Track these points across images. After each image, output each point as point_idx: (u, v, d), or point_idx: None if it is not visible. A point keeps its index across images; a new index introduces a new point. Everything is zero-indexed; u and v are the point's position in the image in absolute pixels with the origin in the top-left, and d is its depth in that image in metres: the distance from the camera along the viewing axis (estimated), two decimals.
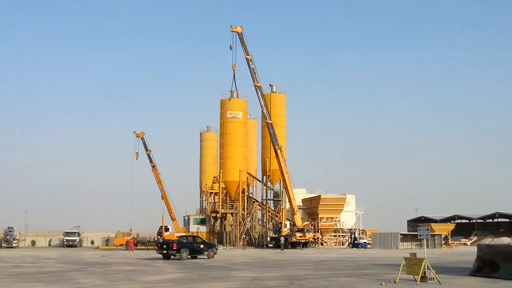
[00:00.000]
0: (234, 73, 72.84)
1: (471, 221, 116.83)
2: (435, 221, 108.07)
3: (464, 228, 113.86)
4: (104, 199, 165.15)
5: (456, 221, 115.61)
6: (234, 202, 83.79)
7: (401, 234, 76.78)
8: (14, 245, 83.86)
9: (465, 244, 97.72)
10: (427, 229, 25.33)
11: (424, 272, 21.60)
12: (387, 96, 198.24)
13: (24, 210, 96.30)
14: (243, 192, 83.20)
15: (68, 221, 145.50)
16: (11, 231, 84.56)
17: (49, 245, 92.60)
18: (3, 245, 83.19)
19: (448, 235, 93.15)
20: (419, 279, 21.30)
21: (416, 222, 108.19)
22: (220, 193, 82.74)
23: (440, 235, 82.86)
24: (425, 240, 25.85)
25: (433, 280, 21.62)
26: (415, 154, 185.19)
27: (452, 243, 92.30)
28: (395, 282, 21.75)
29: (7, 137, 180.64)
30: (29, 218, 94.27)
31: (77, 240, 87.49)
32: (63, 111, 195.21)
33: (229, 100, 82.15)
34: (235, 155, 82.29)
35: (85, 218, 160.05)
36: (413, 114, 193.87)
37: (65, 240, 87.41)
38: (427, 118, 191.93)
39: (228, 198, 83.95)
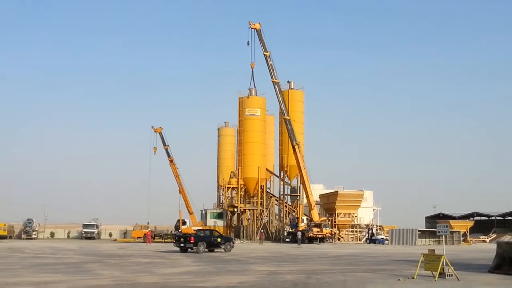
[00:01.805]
0: (252, 71, 73.00)
1: (490, 218, 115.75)
2: (453, 217, 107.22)
3: (483, 225, 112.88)
4: (122, 192, 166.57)
5: (475, 218, 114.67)
6: (252, 198, 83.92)
7: (419, 231, 76.33)
8: (33, 236, 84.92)
9: (484, 241, 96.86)
10: (446, 226, 25.08)
11: (443, 269, 21.45)
12: (407, 93, 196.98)
13: (43, 203, 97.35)
14: (261, 188, 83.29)
15: (87, 213, 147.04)
16: (30, 222, 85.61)
17: (68, 237, 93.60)
18: (23, 236, 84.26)
19: (467, 232, 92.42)
20: (437, 275, 21.14)
21: (434, 219, 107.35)
22: (239, 189, 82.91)
23: (459, 232, 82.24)
24: (443, 236, 25.58)
25: (452, 276, 21.45)
26: (434, 150, 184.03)
27: (471, 240, 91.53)
28: (413, 278, 21.61)
29: (28, 131, 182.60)
30: (48, 210, 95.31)
31: (95, 232, 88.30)
32: (82, 105, 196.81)
33: (248, 97, 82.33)
34: (254, 152, 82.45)
35: (103, 211, 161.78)
36: (433, 110, 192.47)
37: (83, 232, 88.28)
38: (447, 114, 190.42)
39: (246, 193, 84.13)
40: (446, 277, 21.33)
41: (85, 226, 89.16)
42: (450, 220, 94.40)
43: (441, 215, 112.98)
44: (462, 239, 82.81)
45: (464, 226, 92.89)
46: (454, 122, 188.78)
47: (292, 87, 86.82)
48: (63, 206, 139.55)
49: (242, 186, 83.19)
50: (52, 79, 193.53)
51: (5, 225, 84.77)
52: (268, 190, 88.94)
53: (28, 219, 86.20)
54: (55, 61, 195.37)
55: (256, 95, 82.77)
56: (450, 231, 73.28)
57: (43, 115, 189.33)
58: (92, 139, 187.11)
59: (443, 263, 21.36)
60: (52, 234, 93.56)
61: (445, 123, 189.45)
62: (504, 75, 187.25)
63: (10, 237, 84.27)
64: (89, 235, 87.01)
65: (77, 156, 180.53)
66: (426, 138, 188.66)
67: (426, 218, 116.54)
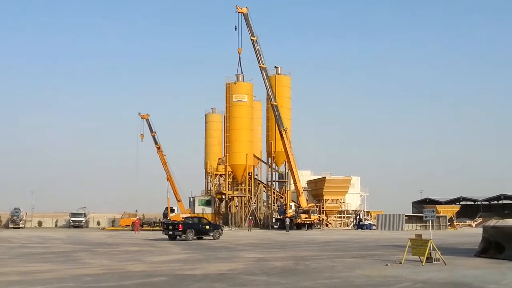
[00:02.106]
0: (239, 57, 72.93)
1: (476, 202, 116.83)
2: (440, 202, 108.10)
3: (469, 209, 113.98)
4: (110, 180, 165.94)
5: (461, 202, 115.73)
6: (240, 185, 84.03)
7: (406, 216, 76.96)
8: (21, 225, 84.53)
9: (470, 225, 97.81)
10: (433, 211, 25.28)
11: (430, 253, 21.64)
12: (392, 79, 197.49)
13: (30, 191, 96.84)
14: (249, 175, 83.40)
15: (75, 202, 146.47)
16: (17, 212, 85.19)
17: (56, 226, 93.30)
18: (10, 225, 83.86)
19: (453, 216, 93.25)
20: (424, 260, 21.33)
21: (421, 204, 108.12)
22: (227, 176, 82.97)
23: (445, 216, 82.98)
24: (430, 221, 25.82)
25: (439, 261, 21.66)
26: (420, 135, 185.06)
27: (457, 224, 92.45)
28: (400, 263, 21.79)
29: (13, 118, 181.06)
30: (35, 199, 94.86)
31: (83, 221, 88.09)
32: (68, 92, 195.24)
33: (235, 83, 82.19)
34: (241, 139, 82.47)
35: (91, 199, 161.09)
36: (418, 95, 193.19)
37: (71, 221, 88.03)
38: (432, 99, 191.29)
39: (234, 181, 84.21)
40: (433, 262, 21.54)
41: (73, 214, 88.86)
42: (436, 205, 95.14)
43: (427, 200, 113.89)
44: (448, 223, 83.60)
45: (450, 211, 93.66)
46: (439, 107, 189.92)
47: (280, 72, 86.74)
48: (50, 194, 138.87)
49: (230, 173, 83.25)
50: (38, 64, 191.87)
51: None
52: (256, 177, 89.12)
53: (15, 208, 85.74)
54: (40, 46, 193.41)
55: (244, 81, 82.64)
56: (437, 216, 73.88)
57: (27, 101, 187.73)
58: (79, 126, 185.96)
59: (430, 248, 21.57)
60: (39, 223, 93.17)
61: (431, 108, 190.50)
62: (482, 59, 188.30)
63: None
64: (77, 223, 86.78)
65: (64, 144, 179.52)
66: (412, 123, 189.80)
67: (413, 203, 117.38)
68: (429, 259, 21.60)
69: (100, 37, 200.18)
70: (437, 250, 21.90)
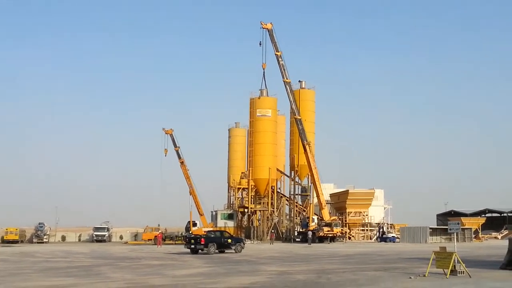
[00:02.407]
0: (264, 72, 73.11)
1: (502, 214, 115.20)
2: (465, 215, 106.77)
3: (494, 222, 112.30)
4: (133, 195, 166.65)
5: (487, 215, 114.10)
6: (263, 198, 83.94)
7: (430, 228, 76.01)
8: (44, 240, 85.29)
9: (495, 238, 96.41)
10: (458, 223, 25.00)
11: (454, 266, 21.35)
12: (418, 90, 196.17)
13: (54, 206, 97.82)
14: (272, 189, 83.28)
15: (98, 216, 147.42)
16: (42, 226, 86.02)
17: (79, 240, 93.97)
18: (34, 240, 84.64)
19: (479, 229, 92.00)
20: (449, 273, 21.03)
21: (446, 216, 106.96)
22: (250, 190, 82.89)
23: (470, 229, 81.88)
24: (455, 234, 25.48)
25: (463, 273, 21.35)
26: (444, 147, 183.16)
27: (483, 236, 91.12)
28: (424, 275, 21.52)
29: (37, 134, 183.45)
30: (59, 214, 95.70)
31: (106, 235, 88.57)
32: (92, 107, 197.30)
33: (259, 98, 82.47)
34: (265, 153, 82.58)
35: (114, 213, 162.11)
36: (442, 107, 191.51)
37: (94, 235, 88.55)
38: (455, 111, 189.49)
39: (256, 194, 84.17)
40: (458, 274, 21.24)
41: (96, 229, 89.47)
42: (461, 217, 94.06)
43: (452, 212, 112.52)
44: (473, 236, 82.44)
45: (475, 223, 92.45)
46: (464, 118, 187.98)
47: (303, 86, 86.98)
48: (74, 209, 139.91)
49: (252, 187, 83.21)
50: (61, 80, 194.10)
51: (16, 229, 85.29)
52: (278, 190, 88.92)
53: (39, 223, 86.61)
54: (63, 61, 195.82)
55: (267, 95, 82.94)
56: (462, 228, 72.96)
57: (52, 117, 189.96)
58: (103, 141, 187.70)
59: (454, 260, 21.27)
60: (63, 238, 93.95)
61: (456, 120, 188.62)
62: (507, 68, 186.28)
63: (22, 242, 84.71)
64: (100, 238, 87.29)
65: (88, 159, 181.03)
66: (437, 135, 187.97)
67: (437, 215, 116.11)
68: (454, 272, 21.30)
69: (124, 52, 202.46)
70: (462, 263, 21.60)
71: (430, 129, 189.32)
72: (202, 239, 42.75)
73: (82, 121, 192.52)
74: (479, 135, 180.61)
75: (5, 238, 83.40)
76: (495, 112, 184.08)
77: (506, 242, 27.68)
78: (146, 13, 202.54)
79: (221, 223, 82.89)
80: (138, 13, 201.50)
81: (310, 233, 69.34)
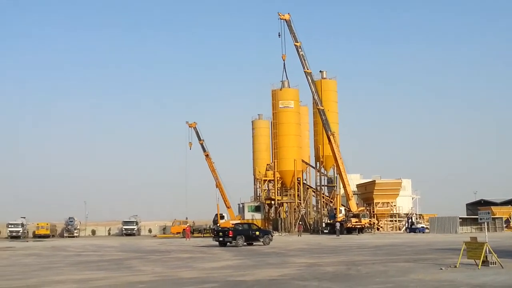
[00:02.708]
0: (284, 63, 73.04)
1: None
2: (495, 204, 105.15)
3: None
4: (160, 188, 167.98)
5: None
6: (289, 190, 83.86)
7: (460, 218, 75.15)
8: (75, 234, 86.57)
9: None
10: (488, 213, 24.61)
11: (486, 256, 21.08)
12: (442, 78, 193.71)
13: (83, 201, 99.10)
14: (298, 180, 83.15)
15: (126, 210, 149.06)
16: (72, 221, 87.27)
17: (109, 234, 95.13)
18: (65, 234, 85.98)
19: (510, 218, 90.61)
20: (480, 263, 20.76)
21: (476, 206, 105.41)
22: (276, 182, 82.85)
23: (501, 218, 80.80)
24: (485, 223, 25.13)
25: (495, 264, 21.06)
26: (473, 135, 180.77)
27: None
28: (455, 266, 21.29)
29: (65, 130, 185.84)
30: (88, 208, 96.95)
31: (135, 229, 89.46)
32: (118, 102, 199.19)
33: (281, 90, 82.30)
34: (289, 145, 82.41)
35: (142, 207, 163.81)
36: (469, 94, 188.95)
37: (123, 229, 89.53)
38: (483, 99, 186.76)
39: (283, 186, 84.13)
40: (490, 265, 20.97)
41: (125, 223, 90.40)
42: (491, 207, 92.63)
43: (482, 202, 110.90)
44: (505, 225, 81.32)
45: (506, 212, 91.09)
46: (492, 107, 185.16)
47: (325, 76, 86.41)
48: (103, 203, 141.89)
49: (278, 179, 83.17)
50: (87, 73, 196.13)
51: (47, 224, 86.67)
52: (304, 182, 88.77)
53: (69, 218, 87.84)
54: (88, 54, 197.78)
55: (289, 87, 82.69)
56: (492, 217, 71.96)
57: (79, 114, 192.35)
58: (130, 136, 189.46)
59: (486, 250, 20.99)
60: (93, 232, 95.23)
61: (483, 108, 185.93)
62: None
63: (53, 236, 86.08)
64: (129, 231, 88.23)
65: (115, 154, 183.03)
66: (465, 123, 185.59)
67: (467, 205, 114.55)
68: (485, 263, 21.03)
69: (147, 45, 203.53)
70: (494, 253, 21.31)
71: (457, 117, 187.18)
72: (230, 231, 42.91)
73: (109, 117, 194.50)
74: (509, 123, 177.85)
75: (36, 232, 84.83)
76: None
77: None
78: (169, 6, 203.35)
79: (248, 215, 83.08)
80: (160, 5, 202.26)
81: (338, 224, 69.13)
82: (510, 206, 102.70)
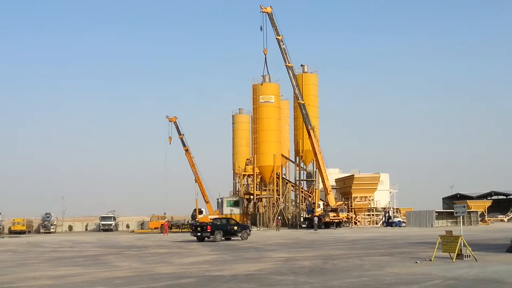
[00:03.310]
0: (265, 58, 72.94)
1: (508, 197, 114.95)
2: (471, 198, 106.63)
3: (501, 204, 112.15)
4: (138, 183, 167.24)
5: (493, 197, 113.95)
6: (268, 185, 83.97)
7: (436, 212, 76.08)
8: (52, 230, 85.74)
9: (502, 220, 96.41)
10: (464, 206, 24.92)
11: (460, 250, 21.36)
12: (422, 73, 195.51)
13: (60, 196, 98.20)
14: (277, 175, 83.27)
15: (104, 206, 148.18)
16: (48, 217, 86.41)
17: (86, 229, 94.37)
18: (42, 230, 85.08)
19: (485, 211, 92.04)
20: (455, 257, 21.04)
21: (452, 200, 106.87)
22: (255, 177, 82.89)
23: (477, 212, 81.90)
24: (461, 217, 25.45)
25: (469, 257, 21.35)
26: (449, 130, 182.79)
27: (489, 219, 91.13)
28: (430, 260, 21.54)
29: (41, 125, 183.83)
30: (65, 204, 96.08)
31: (113, 224, 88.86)
32: (97, 96, 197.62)
33: (261, 84, 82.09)
34: (269, 140, 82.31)
35: (120, 202, 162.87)
36: (446, 90, 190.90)
37: (101, 225, 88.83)
38: (462, 93, 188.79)
39: (262, 181, 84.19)
40: (464, 258, 21.25)
41: (103, 218, 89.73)
42: (467, 201, 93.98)
43: (458, 196, 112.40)
44: (480, 219, 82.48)
45: (481, 206, 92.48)
46: (468, 101, 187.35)
47: (306, 70, 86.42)
48: (80, 199, 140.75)
49: (258, 174, 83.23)
50: (64, 69, 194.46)
51: (23, 220, 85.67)
52: (284, 176, 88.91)
53: (46, 213, 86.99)
54: (66, 50, 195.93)
55: (270, 81, 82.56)
56: (468, 211, 72.98)
57: (56, 107, 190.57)
58: (107, 130, 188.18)
59: (460, 244, 21.27)
60: (70, 228, 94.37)
61: (460, 103, 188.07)
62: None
63: (29, 232, 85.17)
64: (106, 227, 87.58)
65: (93, 148, 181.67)
66: (442, 118, 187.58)
67: (443, 199, 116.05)
68: (460, 256, 21.31)
69: (126, 40, 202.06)
70: (468, 246, 21.60)
71: (434, 112, 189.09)
72: (208, 226, 42.86)
73: (87, 111, 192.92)
74: (484, 117, 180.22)
75: (12, 228, 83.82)
76: (496, 92, 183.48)
77: None
78: (148, 0, 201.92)
79: (227, 210, 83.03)
80: (139, 0, 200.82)
81: (316, 219, 69.45)
82: (485, 200, 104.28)
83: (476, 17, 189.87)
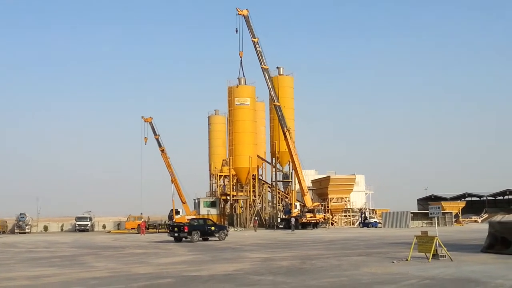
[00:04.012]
0: (241, 60, 72.80)
1: (481, 198, 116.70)
2: (445, 199, 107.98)
3: (474, 205, 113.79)
4: (114, 184, 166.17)
5: (467, 198, 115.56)
6: (245, 186, 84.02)
7: (411, 213, 76.83)
8: (26, 230, 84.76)
9: (476, 221, 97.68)
10: (438, 207, 25.19)
11: (436, 250, 21.60)
12: (395, 76, 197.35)
13: (35, 197, 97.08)
14: (253, 177, 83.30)
15: (80, 206, 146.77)
16: (23, 217, 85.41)
17: (61, 230, 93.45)
18: (16, 231, 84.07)
19: (459, 213, 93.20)
20: (431, 257, 21.28)
21: (426, 201, 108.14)
22: (231, 179, 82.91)
23: (451, 213, 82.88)
24: (436, 218, 25.74)
25: (445, 257, 21.61)
26: (423, 132, 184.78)
27: (463, 220, 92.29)
28: (407, 260, 21.75)
29: (16, 124, 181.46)
30: (40, 204, 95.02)
31: (89, 225, 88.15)
32: (71, 96, 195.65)
33: (237, 87, 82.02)
34: (244, 142, 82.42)
35: (96, 203, 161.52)
36: (421, 92, 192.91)
37: (77, 225, 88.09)
38: (435, 96, 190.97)
39: (238, 182, 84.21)
40: (440, 258, 21.49)
41: (78, 218, 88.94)
42: (442, 202, 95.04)
43: (432, 197, 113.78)
44: (454, 220, 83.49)
45: (456, 207, 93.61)
46: (442, 103, 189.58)
47: (282, 73, 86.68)
48: (55, 199, 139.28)
49: (234, 175, 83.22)
50: (41, 70, 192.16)
51: None
52: (260, 177, 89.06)
53: (20, 214, 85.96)
54: (42, 52, 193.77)
55: (246, 84, 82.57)
56: (442, 212, 73.84)
57: (32, 106, 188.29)
58: (82, 130, 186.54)
59: (436, 244, 21.52)
60: (45, 228, 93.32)
61: (434, 105, 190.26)
62: (492, 54, 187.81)
63: (3, 232, 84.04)
64: (82, 227, 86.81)
65: (68, 149, 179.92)
66: (416, 120, 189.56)
67: (418, 200, 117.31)
68: (436, 256, 21.55)
69: (102, 41, 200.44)
70: (443, 247, 21.86)
71: (407, 114, 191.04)
72: (186, 227, 42.74)
73: (62, 111, 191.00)
74: (457, 119, 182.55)
75: None
76: (472, 96, 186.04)
77: (486, 226, 28.08)
78: (127, 2, 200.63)
79: (204, 210, 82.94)
80: (119, 3, 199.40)
81: (293, 219, 69.69)
82: (459, 201, 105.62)
83: (463, 17, 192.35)
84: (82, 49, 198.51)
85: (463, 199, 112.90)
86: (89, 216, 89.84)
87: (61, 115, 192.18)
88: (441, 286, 15.08)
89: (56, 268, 22.59)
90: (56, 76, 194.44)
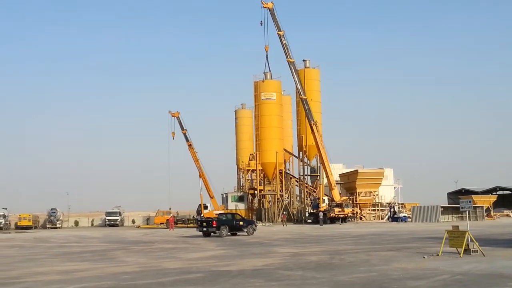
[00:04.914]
0: (267, 54, 72.25)
1: None
2: (476, 193, 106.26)
3: (506, 199, 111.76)
4: (143, 179, 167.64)
5: (498, 192, 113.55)
6: (272, 180, 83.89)
7: (441, 207, 75.81)
8: (58, 225, 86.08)
9: (508, 215, 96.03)
10: (469, 201, 24.79)
11: (467, 245, 21.30)
12: (426, 68, 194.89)
13: (66, 192, 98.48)
14: (280, 172, 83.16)
15: (110, 201, 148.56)
16: (54, 212, 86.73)
17: (92, 225, 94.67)
18: (48, 226, 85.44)
19: (490, 207, 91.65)
20: (462, 252, 20.99)
21: (457, 195, 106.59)
22: (258, 174, 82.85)
23: (482, 207, 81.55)
24: (467, 212, 25.35)
25: (477, 252, 21.30)
26: (454, 125, 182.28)
27: (495, 214, 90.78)
28: (438, 255, 21.49)
29: (48, 121, 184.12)
30: (71, 199, 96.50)
31: (119, 220, 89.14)
32: (101, 92, 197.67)
33: (263, 82, 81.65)
34: (271, 137, 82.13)
35: (125, 198, 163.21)
36: (452, 85, 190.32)
37: (107, 220, 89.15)
38: (465, 88, 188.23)
39: (265, 177, 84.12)
40: (471, 253, 21.20)
41: (108, 213, 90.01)
42: (472, 195, 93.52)
43: (463, 191, 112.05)
44: (485, 214, 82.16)
45: (487, 201, 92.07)
46: (473, 96, 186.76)
47: (308, 65, 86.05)
48: (86, 194, 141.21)
49: (260, 170, 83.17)
50: (67, 65, 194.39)
51: (30, 215, 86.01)
52: (287, 171, 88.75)
53: (52, 209, 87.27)
54: (68, 46, 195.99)
55: (272, 78, 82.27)
56: (473, 206, 72.72)
57: (62, 103, 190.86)
58: (111, 126, 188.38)
59: (467, 239, 21.21)
60: (76, 223, 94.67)
61: (465, 98, 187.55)
62: None
63: (35, 227, 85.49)
64: (112, 222, 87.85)
65: (98, 145, 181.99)
66: (447, 113, 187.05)
67: (448, 194, 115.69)
68: (467, 251, 21.26)
69: (130, 35, 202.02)
70: (475, 241, 21.54)
71: (438, 107, 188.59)
72: (214, 222, 42.85)
73: (92, 107, 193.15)
74: (489, 112, 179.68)
75: (18, 224, 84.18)
76: (502, 88, 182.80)
77: None
78: None
79: (232, 205, 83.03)
80: None
81: (321, 214, 69.39)
82: (490, 195, 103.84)
83: (481, 15, 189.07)
84: (111, 43, 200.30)
85: (495, 193, 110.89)
86: (118, 211, 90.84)
87: (92, 110, 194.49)
88: (473, 282, 14.85)
89: (87, 263, 22.89)
90: (84, 71, 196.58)
